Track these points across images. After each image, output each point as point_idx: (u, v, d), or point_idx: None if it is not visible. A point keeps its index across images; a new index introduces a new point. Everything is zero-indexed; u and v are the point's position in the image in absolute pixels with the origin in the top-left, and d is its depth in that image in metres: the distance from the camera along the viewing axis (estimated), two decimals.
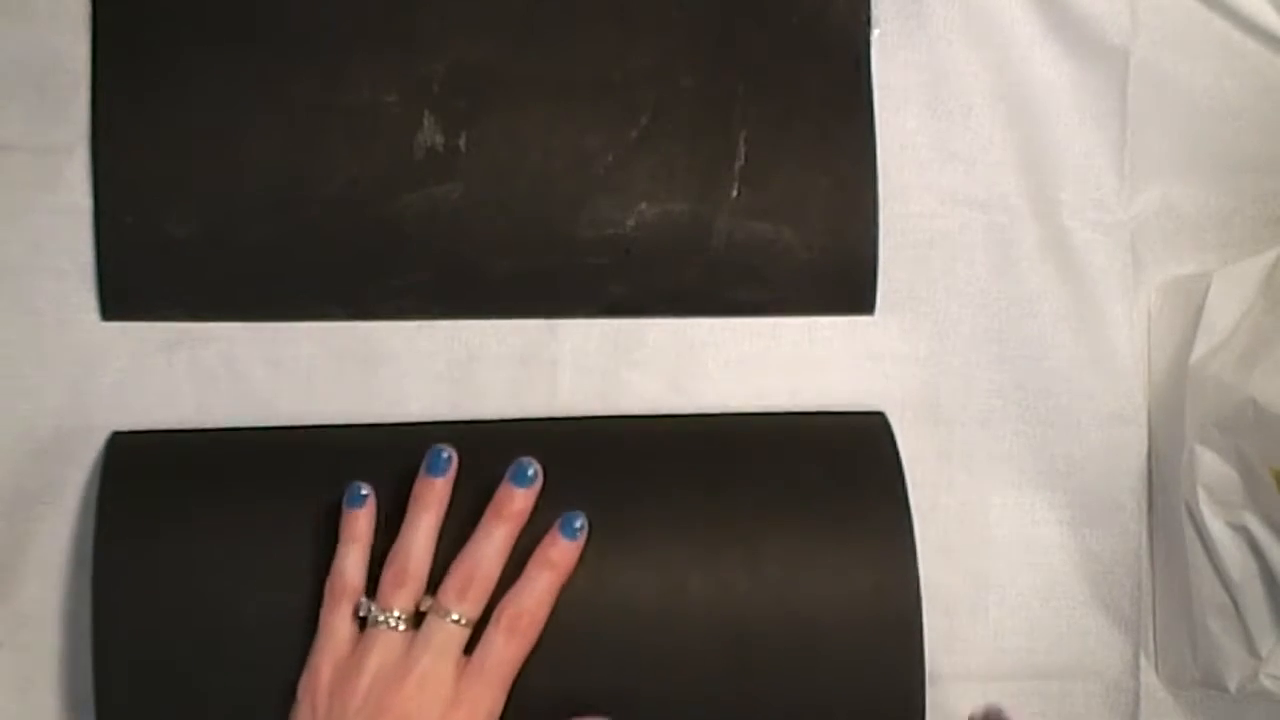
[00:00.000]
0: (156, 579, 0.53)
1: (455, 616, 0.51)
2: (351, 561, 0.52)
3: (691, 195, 0.60)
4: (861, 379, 0.61)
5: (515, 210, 0.59)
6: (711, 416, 0.60)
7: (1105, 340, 0.62)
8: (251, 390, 0.58)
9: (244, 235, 0.57)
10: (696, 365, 0.61)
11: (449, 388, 0.59)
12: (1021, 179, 0.62)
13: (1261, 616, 0.58)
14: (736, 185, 0.60)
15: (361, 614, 0.51)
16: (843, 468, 0.58)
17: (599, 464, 0.57)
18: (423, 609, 0.51)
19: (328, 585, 0.52)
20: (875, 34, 0.61)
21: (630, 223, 0.59)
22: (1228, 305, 0.59)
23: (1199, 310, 0.60)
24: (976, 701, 0.60)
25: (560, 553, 0.52)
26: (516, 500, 0.53)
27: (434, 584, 0.52)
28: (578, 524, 0.53)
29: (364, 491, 0.53)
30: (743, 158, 0.60)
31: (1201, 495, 0.58)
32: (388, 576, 0.51)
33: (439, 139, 0.58)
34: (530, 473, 0.53)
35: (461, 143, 0.58)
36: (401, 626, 0.51)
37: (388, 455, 0.55)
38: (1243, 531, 0.58)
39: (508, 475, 0.53)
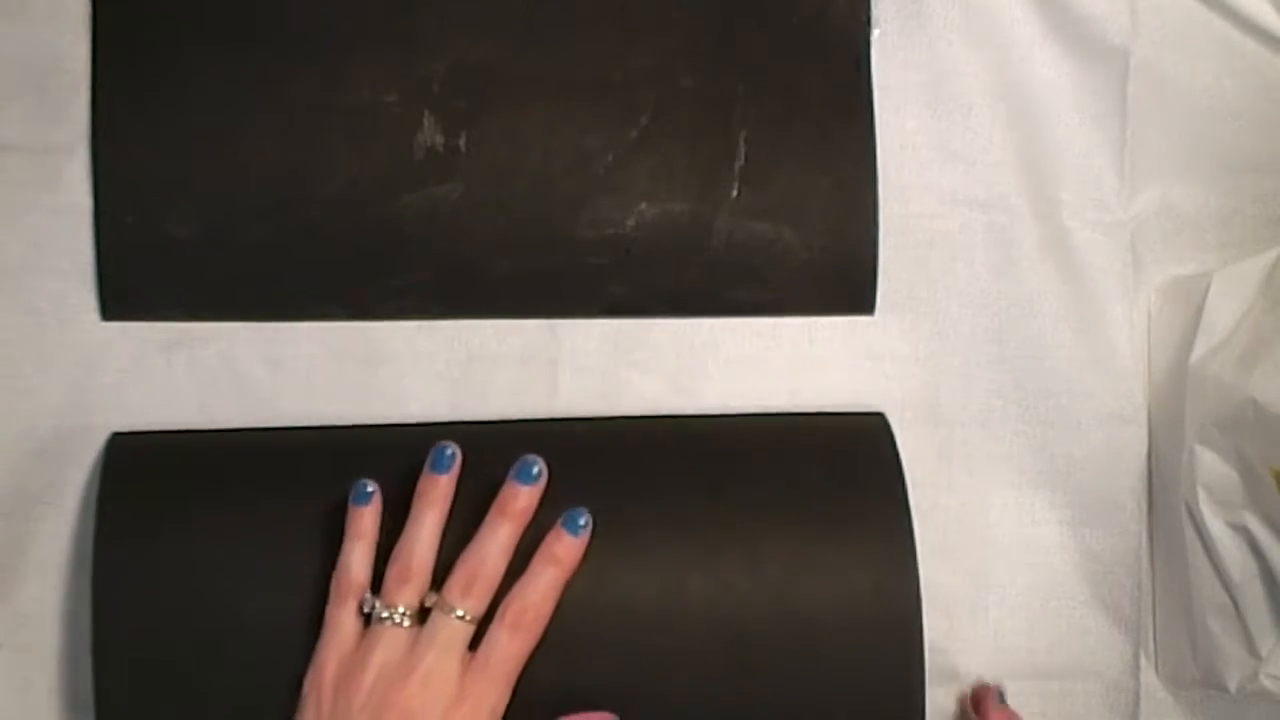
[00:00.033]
0: (156, 579, 0.53)
1: (460, 613, 0.51)
2: (357, 558, 0.52)
3: (691, 195, 0.60)
4: (861, 379, 0.61)
5: (515, 210, 0.59)
6: (711, 417, 0.60)
7: (1105, 340, 0.62)
8: (251, 390, 0.58)
9: (244, 235, 0.57)
10: (696, 365, 0.60)
11: (449, 388, 0.59)
12: (1021, 179, 0.62)
13: (1261, 616, 0.58)
14: (736, 185, 0.60)
15: (366, 610, 0.51)
16: (843, 468, 0.58)
17: (599, 464, 0.57)
18: (427, 605, 0.51)
19: (333, 581, 0.52)
20: (875, 34, 0.61)
21: (630, 223, 0.59)
22: (1228, 305, 0.59)
23: (1199, 310, 0.60)
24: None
25: (565, 548, 0.52)
26: (521, 497, 0.53)
27: (439, 581, 0.52)
28: (582, 520, 0.53)
29: (369, 489, 0.53)
30: (743, 158, 0.60)
31: (1201, 495, 0.58)
32: (392, 573, 0.52)
33: (439, 139, 0.58)
34: (535, 470, 0.53)
35: (461, 143, 0.58)
36: (406, 623, 0.51)
37: (388, 455, 0.55)
38: (1243, 531, 0.58)
39: (512, 472, 0.53)
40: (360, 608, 0.51)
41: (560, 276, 0.59)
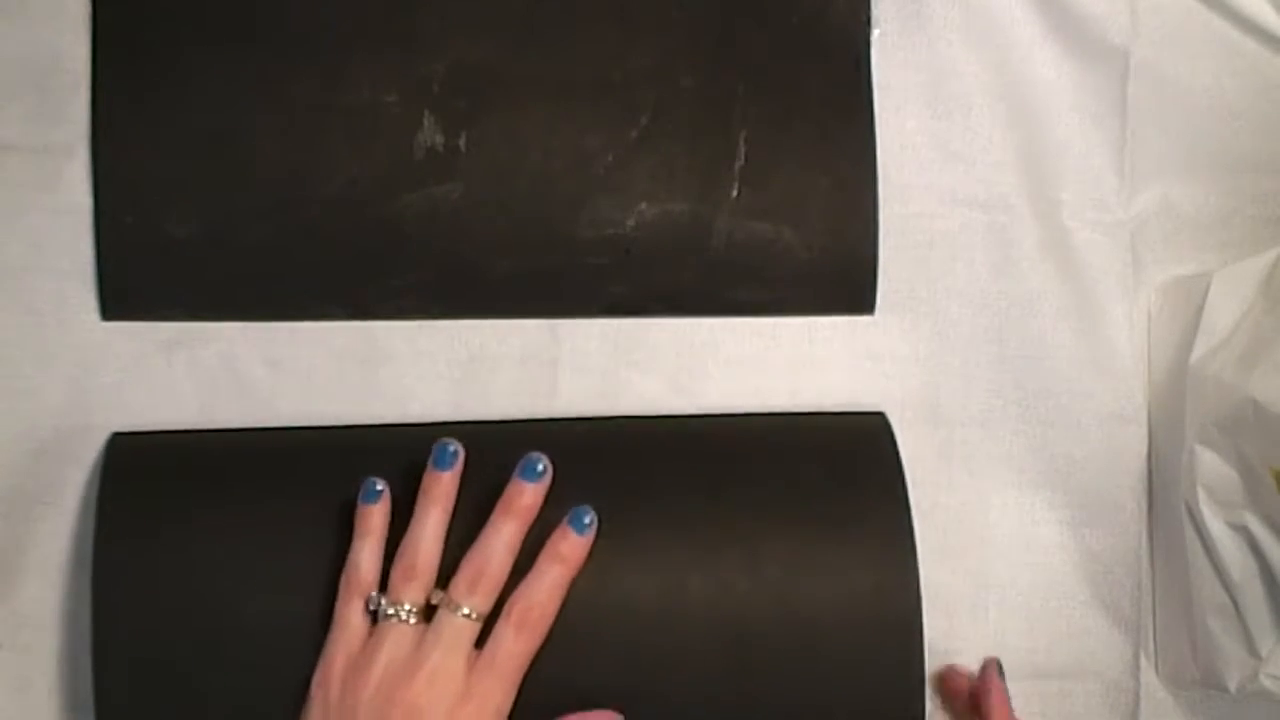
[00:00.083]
0: (156, 579, 0.53)
1: (466, 611, 0.51)
2: (366, 556, 0.52)
3: (691, 195, 0.60)
4: (861, 379, 0.61)
5: (515, 210, 0.59)
6: (711, 417, 0.60)
7: (1105, 340, 0.62)
8: (251, 390, 0.58)
9: (244, 235, 0.57)
10: (696, 365, 0.61)
11: (449, 387, 0.59)
12: (1021, 179, 0.62)
13: (1261, 616, 0.58)
14: (736, 185, 0.60)
15: (372, 608, 0.51)
16: (843, 468, 0.58)
17: (599, 464, 0.57)
18: (433, 603, 0.51)
19: (342, 579, 0.52)
20: (875, 34, 0.61)
21: (630, 223, 0.59)
22: (1228, 305, 0.59)
23: (1199, 310, 0.60)
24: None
25: (570, 547, 0.52)
26: (526, 495, 0.53)
27: (445, 579, 0.52)
28: (587, 519, 0.53)
29: (379, 487, 0.53)
30: (743, 158, 0.60)
31: (1201, 495, 0.58)
32: (398, 570, 0.52)
33: (439, 139, 0.58)
34: (540, 468, 0.53)
35: (461, 143, 0.58)
36: (412, 620, 0.51)
37: (388, 455, 0.55)
38: (1243, 531, 0.58)
39: (517, 470, 0.53)
40: (367, 605, 0.52)
41: (560, 276, 0.59)
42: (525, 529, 0.53)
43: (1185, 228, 0.64)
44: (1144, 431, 0.63)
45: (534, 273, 0.59)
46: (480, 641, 0.51)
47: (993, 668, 0.59)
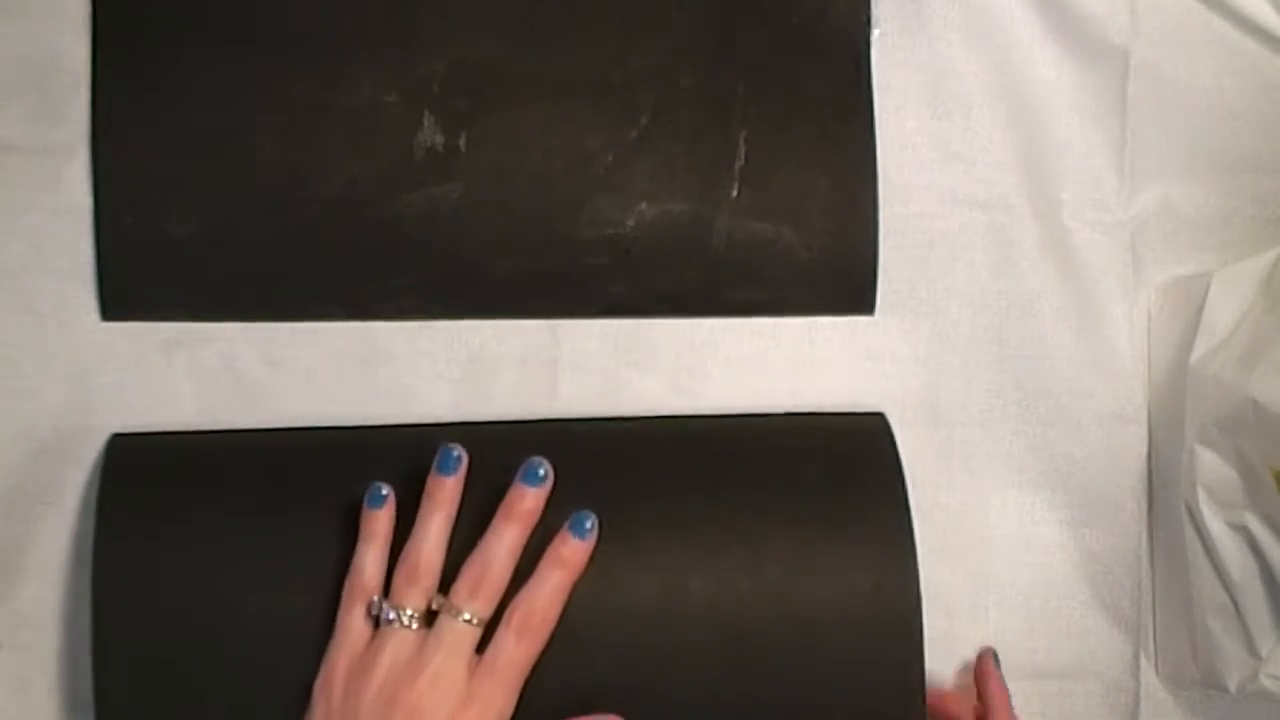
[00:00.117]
0: (156, 579, 0.53)
1: (467, 616, 0.51)
2: (370, 560, 0.52)
3: (691, 195, 0.60)
4: (861, 379, 0.61)
5: (515, 210, 0.59)
6: (711, 417, 0.60)
7: (1105, 340, 0.62)
8: (251, 390, 0.58)
9: (244, 235, 0.57)
10: (696, 365, 0.60)
11: (449, 388, 0.59)
12: (1021, 179, 0.62)
13: (1261, 616, 0.58)
14: (736, 185, 0.60)
15: (375, 613, 0.51)
16: (843, 468, 0.58)
17: (599, 464, 0.57)
18: (435, 608, 0.51)
19: (346, 584, 0.52)
20: (875, 34, 0.61)
21: (630, 223, 0.59)
22: (1228, 305, 0.60)
23: (1199, 310, 0.60)
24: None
25: (571, 552, 0.52)
26: (528, 499, 0.53)
27: (447, 583, 0.52)
28: (588, 524, 0.53)
29: (384, 492, 0.53)
30: (743, 158, 0.60)
31: (1201, 495, 0.58)
32: (400, 575, 0.52)
33: (439, 139, 0.58)
34: (541, 472, 0.53)
35: (461, 143, 0.58)
36: (414, 625, 0.51)
37: (388, 455, 0.55)
38: (1243, 531, 0.58)
39: (519, 475, 0.53)
40: (369, 610, 0.52)
41: (560, 276, 0.59)
42: (527, 534, 0.53)
43: (1185, 228, 0.64)
44: (1144, 431, 0.63)
45: (534, 273, 0.59)
46: (482, 646, 0.51)
47: (989, 657, 0.59)
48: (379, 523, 0.53)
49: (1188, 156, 0.64)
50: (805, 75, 0.61)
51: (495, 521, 0.52)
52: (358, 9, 0.58)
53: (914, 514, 0.57)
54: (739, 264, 0.60)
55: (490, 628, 0.51)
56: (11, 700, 0.56)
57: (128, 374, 0.57)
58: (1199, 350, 0.59)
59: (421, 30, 0.58)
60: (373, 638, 0.51)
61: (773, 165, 0.60)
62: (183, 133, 0.57)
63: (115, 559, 0.53)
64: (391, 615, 0.51)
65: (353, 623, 0.51)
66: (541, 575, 0.52)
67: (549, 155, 0.59)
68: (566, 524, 0.53)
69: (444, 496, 0.53)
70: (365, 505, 0.53)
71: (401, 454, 0.55)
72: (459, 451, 0.53)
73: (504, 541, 0.52)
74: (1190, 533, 0.60)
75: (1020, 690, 0.60)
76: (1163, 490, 0.63)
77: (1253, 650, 0.58)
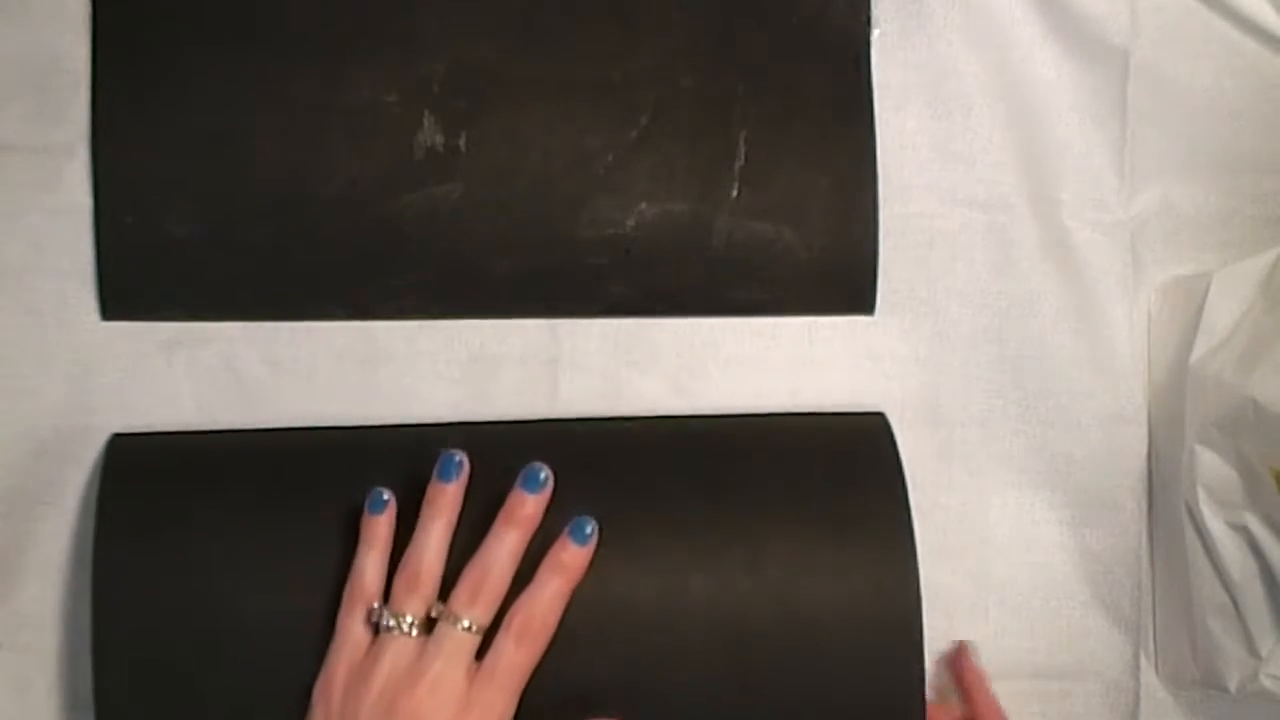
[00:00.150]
0: (156, 579, 0.53)
1: (466, 623, 0.51)
2: (370, 565, 0.52)
3: (691, 195, 0.60)
4: (861, 379, 0.61)
5: (515, 210, 0.59)
6: (711, 417, 0.60)
7: (1105, 340, 0.62)
8: (251, 390, 0.58)
9: (244, 235, 0.57)
10: (696, 365, 0.60)
11: (449, 388, 0.59)
12: (1021, 179, 0.62)
13: (1261, 616, 0.58)
14: (736, 185, 0.60)
15: (374, 620, 0.51)
16: (843, 468, 0.58)
17: (599, 465, 0.57)
18: (433, 615, 0.51)
19: (346, 589, 0.52)
20: (875, 34, 0.61)
21: (630, 223, 0.59)
22: (1228, 305, 0.59)
23: (1199, 310, 0.60)
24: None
25: (571, 557, 0.52)
26: (528, 505, 0.53)
27: (447, 588, 0.52)
28: (588, 529, 0.53)
29: (385, 497, 0.53)
30: (743, 158, 0.60)
31: (1201, 495, 0.58)
32: (400, 582, 0.52)
33: (439, 139, 0.58)
34: (541, 477, 0.53)
35: (461, 143, 0.58)
36: (414, 632, 0.51)
37: (388, 456, 0.55)
38: (1243, 531, 0.58)
39: (519, 480, 0.53)
40: (369, 616, 0.52)
41: (560, 276, 0.59)
42: (526, 540, 0.52)
43: (1185, 228, 0.64)
44: (1144, 431, 0.63)
45: (534, 273, 0.59)
46: (482, 651, 0.51)
47: (965, 650, 0.59)
48: (379, 528, 0.53)
49: (1188, 156, 0.64)
50: (805, 75, 0.61)
51: (495, 527, 0.52)
52: (358, 9, 0.58)
53: (914, 514, 0.57)
54: (739, 264, 0.60)
55: (490, 633, 0.51)
56: (11, 700, 0.56)
57: (128, 374, 0.57)
58: (1199, 350, 0.59)
59: (421, 30, 0.58)
60: (372, 644, 0.51)
61: (773, 165, 0.60)
62: (183, 133, 0.57)
63: (115, 559, 0.53)
64: (391, 622, 0.51)
65: (352, 628, 0.51)
66: (541, 581, 0.52)
67: (549, 155, 0.59)
68: (567, 529, 0.53)
69: (445, 503, 0.53)
70: (366, 510, 0.53)
71: (401, 454, 0.55)
72: (460, 457, 0.53)
73: (504, 548, 0.52)
74: (1190, 533, 0.60)
75: (1020, 690, 0.60)
76: (1163, 490, 0.63)
77: (1253, 650, 0.58)
